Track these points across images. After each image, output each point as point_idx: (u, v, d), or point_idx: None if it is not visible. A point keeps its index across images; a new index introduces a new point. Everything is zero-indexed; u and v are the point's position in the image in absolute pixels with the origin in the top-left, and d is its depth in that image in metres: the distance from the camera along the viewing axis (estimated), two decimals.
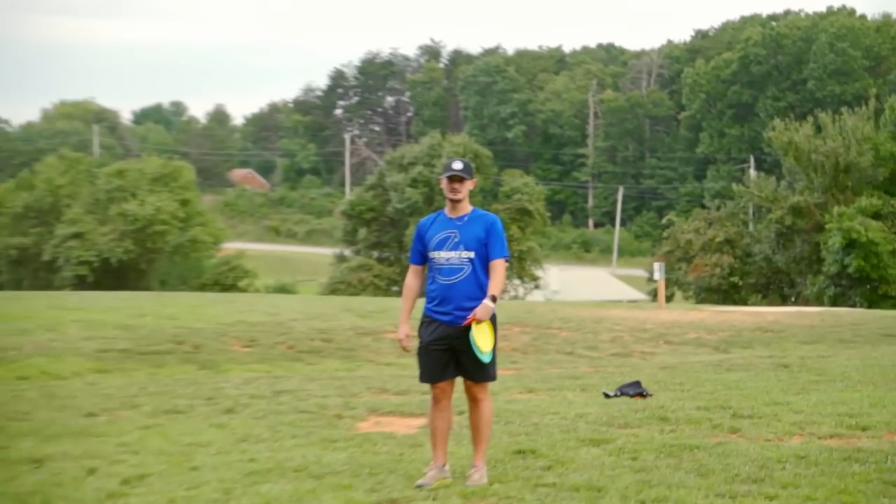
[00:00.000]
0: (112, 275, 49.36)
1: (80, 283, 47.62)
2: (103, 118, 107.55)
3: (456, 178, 7.90)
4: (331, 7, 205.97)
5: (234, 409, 11.56)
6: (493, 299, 7.71)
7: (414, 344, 7.96)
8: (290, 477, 8.08)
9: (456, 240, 7.87)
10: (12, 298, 28.75)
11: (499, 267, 7.84)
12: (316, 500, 7.36)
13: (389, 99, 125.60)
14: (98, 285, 46.52)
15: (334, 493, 7.53)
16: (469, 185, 7.98)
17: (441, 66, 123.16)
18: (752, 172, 68.80)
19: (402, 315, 8.07)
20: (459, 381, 7.91)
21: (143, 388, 13.43)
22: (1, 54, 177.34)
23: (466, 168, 7.96)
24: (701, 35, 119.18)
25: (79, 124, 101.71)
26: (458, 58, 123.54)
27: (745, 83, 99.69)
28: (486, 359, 7.67)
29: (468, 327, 7.66)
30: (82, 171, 55.54)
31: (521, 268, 52.72)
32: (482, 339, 7.67)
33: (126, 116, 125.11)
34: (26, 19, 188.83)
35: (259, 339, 19.97)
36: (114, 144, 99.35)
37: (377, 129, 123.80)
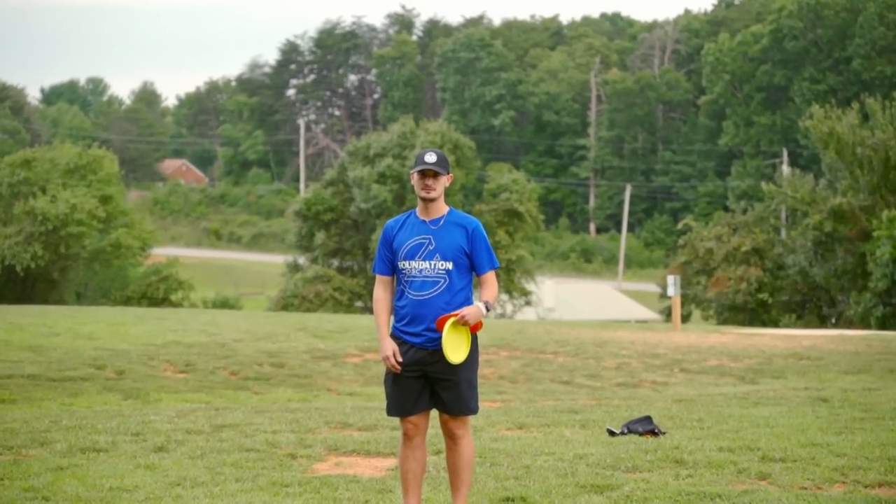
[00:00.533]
0: (17, 285, 49.24)
1: None
2: (5, 96, 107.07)
3: (429, 174, 7.91)
4: None
5: (165, 446, 11.52)
6: (487, 307, 7.77)
7: (382, 369, 7.95)
8: None
9: (430, 248, 7.88)
10: None
11: (491, 279, 7.90)
12: None
13: (352, 77, 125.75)
14: (1, 298, 46.38)
15: None
16: (445, 182, 7.97)
17: (414, 38, 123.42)
18: (786, 169, 69.16)
19: (379, 330, 8.05)
20: (435, 414, 7.93)
21: (56, 422, 13.37)
22: None
23: (441, 161, 7.94)
24: (725, 4, 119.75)
25: None
26: (435, 29, 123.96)
27: (778, 62, 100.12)
28: (456, 360, 7.70)
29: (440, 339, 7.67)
30: None
31: (509, 280, 52.90)
32: (453, 348, 7.67)
33: (34, 95, 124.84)
34: None
35: (196, 363, 19.96)
36: (18, 128, 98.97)
37: (337, 113, 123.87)
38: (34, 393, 17.20)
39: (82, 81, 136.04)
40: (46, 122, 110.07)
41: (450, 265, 7.80)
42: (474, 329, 7.67)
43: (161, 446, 11.55)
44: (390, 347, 7.81)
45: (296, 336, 24.08)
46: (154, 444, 11.66)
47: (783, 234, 55.01)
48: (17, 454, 11.31)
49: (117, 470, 10.40)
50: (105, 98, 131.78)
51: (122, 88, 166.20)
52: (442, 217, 7.92)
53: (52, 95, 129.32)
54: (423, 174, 7.85)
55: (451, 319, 7.56)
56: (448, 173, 7.92)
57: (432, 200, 7.87)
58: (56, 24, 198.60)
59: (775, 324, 47.67)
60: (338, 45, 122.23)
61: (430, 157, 7.87)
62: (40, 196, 50.43)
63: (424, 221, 7.93)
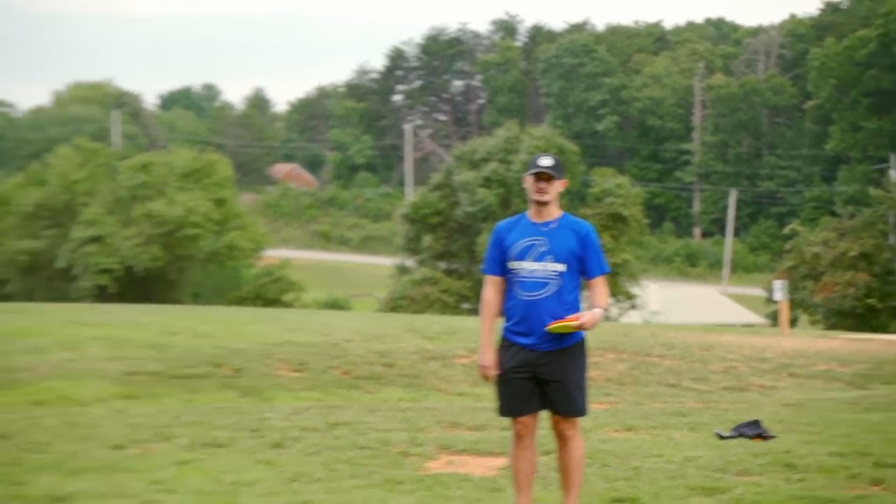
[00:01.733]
0: (137, 285, 49.86)
1: (101, 295, 48.16)
2: (124, 103, 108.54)
3: (543, 177, 7.92)
4: None
5: (282, 443, 11.65)
6: (601, 311, 7.83)
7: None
8: None
9: (543, 249, 7.87)
10: (24, 311, 29.10)
11: (602, 284, 7.92)
12: None
13: (457, 83, 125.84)
14: (121, 297, 46.94)
15: None
16: (559, 186, 7.97)
17: (518, 44, 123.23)
18: (893, 174, 68.13)
19: (482, 336, 8.07)
20: (545, 415, 7.95)
21: (178, 417, 13.57)
22: (3, 27, 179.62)
23: (556, 165, 7.95)
24: (831, 8, 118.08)
25: (96, 109, 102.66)
26: (539, 35, 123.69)
27: (886, 66, 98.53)
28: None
29: (554, 339, 7.77)
30: (101, 165, 55.97)
31: (614, 284, 52.58)
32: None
33: (150, 101, 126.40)
34: None
35: (309, 362, 20.08)
36: (137, 133, 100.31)
37: (443, 118, 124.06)
38: (156, 389, 17.43)
39: (196, 88, 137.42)
40: (163, 126, 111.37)
41: (562, 267, 7.80)
42: (580, 328, 7.69)
43: (278, 443, 11.67)
44: (489, 358, 7.93)
45: (405, 337, 24.12)
46: (271, 441, 11.78)
47: (892, 239, 54.20)
48: (143, 448, 11.50)
49: (237, 465, 10.54)
50: (218, 104, 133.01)
51: (235, 94, 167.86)
52: (555, 220, 7.91)
53: (168, 101, 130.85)
54: (538, 177, 7.87)
55: (571, 324, 7.60)
56: (562, 178, 7.92)
57: (545, 204, 7.88)
58: (172, 32, 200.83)
59: (884, 329, 46.98)
60: (443, 51, 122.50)
61: (545, 161, 7.89)
62: (158, 199, 51.03)
63: (536, 224, 7.93)
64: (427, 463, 10.67)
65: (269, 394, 17.57)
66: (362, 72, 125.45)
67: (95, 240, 49.90)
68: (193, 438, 11.93)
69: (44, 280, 51.31)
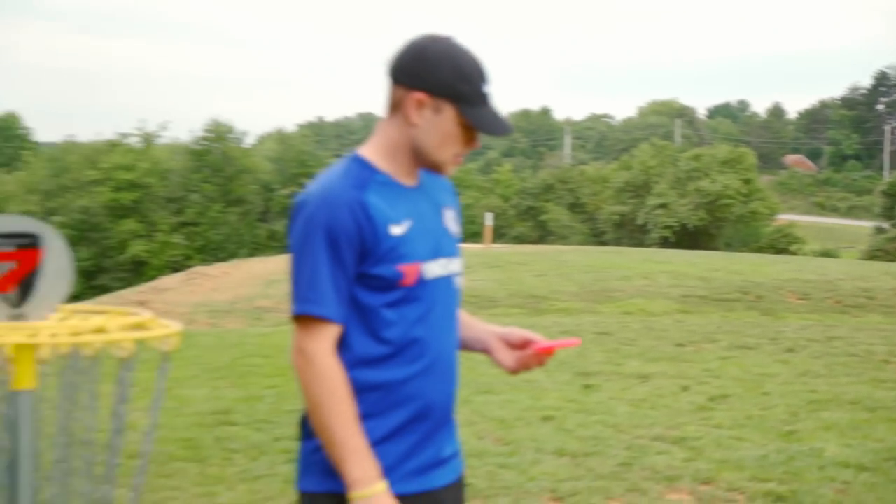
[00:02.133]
0: (688, 237, 49.62)
1: (664, 243, 48.35)
2: (684, 114, 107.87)
3: None
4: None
5: (793, 348, 11.21)
6: None
7: None
8: (846, 408, 7.75)
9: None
10: (616, 253, 29.74)
11: None
12: (871, 429, 6.99)
13: None
14: (678, 245, 47.01)
15: (887, 424, 7.11)
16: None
17: None
18: None
19: None
20: None
21: (719, 328, 13.40)
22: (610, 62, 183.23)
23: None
24: None
25: (665, 119, 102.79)
26: None
27: None
28: None
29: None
30: (667, 156, 56.04)
31: None
32: None
33: (701, 112, 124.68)
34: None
35: (810, 293, 19.19)
36: (691, 135, 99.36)
37: None
38: (703, 308, 17.16)
39: (734, 102, 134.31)
40: (709, 130, 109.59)
41: None
42: None
43: (790, 348, 11.24)
44: None
45: (883, 278, 22.38)
46: (785, 347, 11.34)
47: None
48: (696, 346, 11.35)
49: (761, 362, 10.24)
50: (748, 113, 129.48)
51: (760, 107, 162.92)
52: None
53: (714, 112, 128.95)
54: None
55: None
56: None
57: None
58: (646, 65, 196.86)
59: None
60: None
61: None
62: (704, 178, 50.64)
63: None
64: None
65: (782, 315, 16.97)
66: (854, 88, 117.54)
67: (662, 206, 50.12)
68: (730, 342, 11.74)
69: (628, 232, 52.04)
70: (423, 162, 2.40)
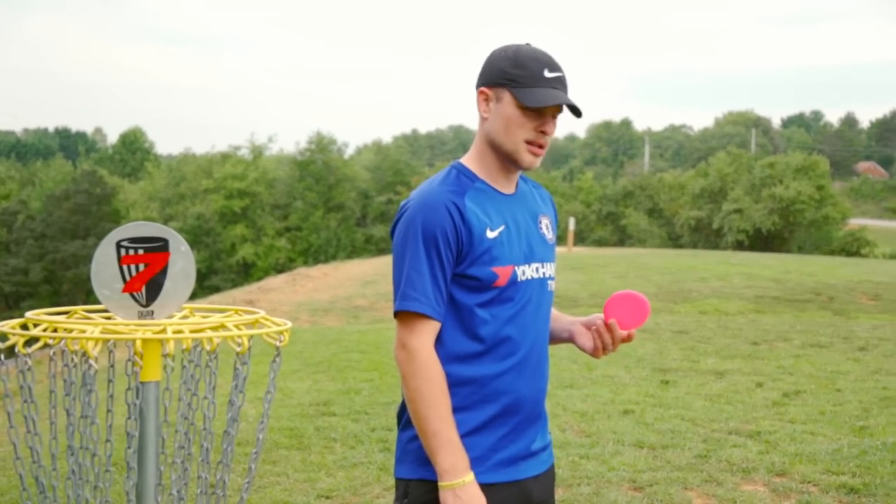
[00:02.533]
0: (762, 241, 48.61)
1: (739, 246, 47.46)
2: (759, 124, 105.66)
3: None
4: None
5: (865, 347, 10.90)
6: None
7: None
8: None
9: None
10: (692, 255, 29.31)
11: None
12: None
13: None
14: (752, 248, 46.15)
15: None
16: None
17: None
18: None
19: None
20: None
21: (792, 327, 13.10)
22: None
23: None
24: None
25: (741, 129, 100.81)
26: None
27: None
28: None
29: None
30: (743, 164, 54.96)
31: None
32: None
33: (776, 122, 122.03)
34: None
35: (882, 294, 18.60)
36: (766, 144, 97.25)
37: None
38: (776, 308, 16.80)
39: (807, 112, 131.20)
40: (783, 139, 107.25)
41: None
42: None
43: (862, 347, 10.92)
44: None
45: None
46: (857, 346, 11.03)
47: None
48: (770, 345, 11.12)
49: (834, 360, 9.95)
50: (821, 123, 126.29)
51: (834, 116, 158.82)
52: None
53: (788, 122, 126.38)
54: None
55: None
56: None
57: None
58: (804, 80, 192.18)
59: None
60: None
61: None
62: (779, 185, 49.66)
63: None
64: None
65: (854, 315, 16.48)
66: None
67: (737, 211, 49.17)
68: (804, 341, 11.47)
69: (704, 236, 51.10)
70: (501, 156, 2.40)
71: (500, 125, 2.35)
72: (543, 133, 2.36)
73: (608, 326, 2.47)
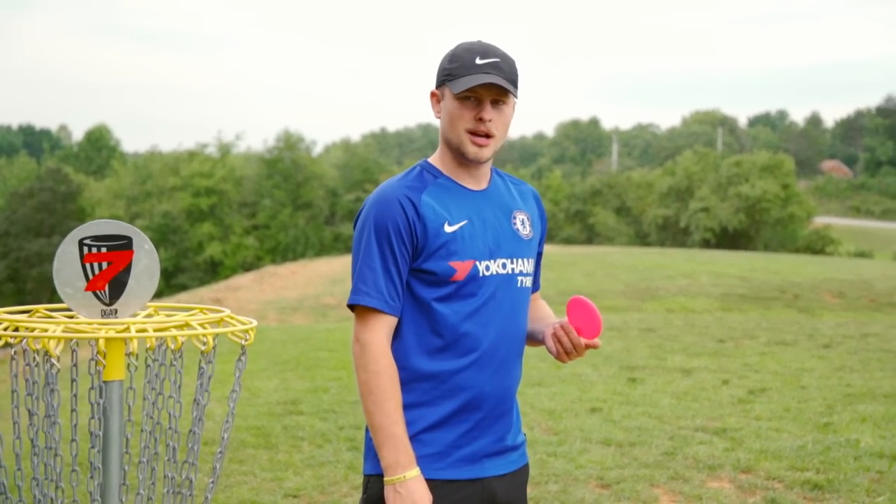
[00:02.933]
0: (729, 239, 49.04)
1: (706, 244, 47.84)
2: (725, 123, 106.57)
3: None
4: None
5: (830, 344, 11.03)
6: None
7: None
8: (880, 401, 7.60)
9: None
10: (660, 254, 29.53)
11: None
12: None
13: None
14: (719, 246, 46.55)
15: None
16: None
17: None
18: None
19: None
20: None
21: (758, 325, 13.23)
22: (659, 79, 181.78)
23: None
24: None
25: (707, 128, 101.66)
26: None
27: None
28: None
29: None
30: (709, 162, 55.38)
31: None
32: None
33: (742, 121, 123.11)
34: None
35: (846, 292, 18.86)
36: (732, 142, 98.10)
37: None
38: (742, 305, 16.92)
39: (773, 112, 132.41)
40: (749, 138, 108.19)
41: None
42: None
43: (826, 344, 11.05)
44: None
45: None
46: (821, 343, 11.16)
47: None
48: (736, 342, 11.22)
49: (799, 357, 10.05)
50: (787, 122, 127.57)
51: (799, 116, 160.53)
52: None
53: (754, 121, 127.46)
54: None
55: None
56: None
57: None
58: (769, 77, 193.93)
59: None
60: None
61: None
62: (745, 184, 50.11)
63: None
64: None
65: (818, 312, 16.70)
66: (889, 99, 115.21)
67: (704, 209, 49.54)
68: (769, 338, 11.59)
69: (671, 234, 51.50)
70: (455, 150, 2.41)
71: (445, 121, 2.38)
72: (482, 120, 2.34)
73: (564, 329, 2.41)
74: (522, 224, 2.50)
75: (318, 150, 58.66)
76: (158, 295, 38.59)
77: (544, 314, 2.60)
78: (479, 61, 2.33)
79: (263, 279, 22.92)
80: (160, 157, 51.25)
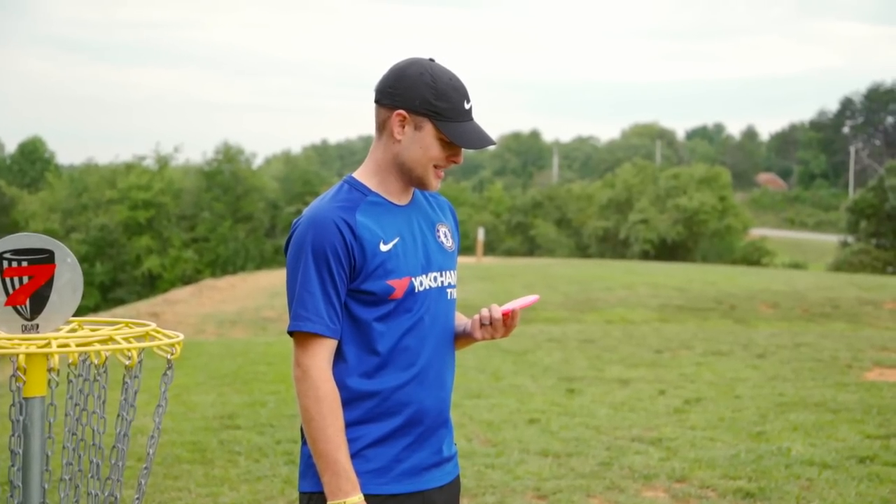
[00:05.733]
0: (667, 251, 49.69)
1: (645, 256, 48.41)
2: (663, 136, 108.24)
3: None
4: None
5: (763, 354, 11.22)
6: None
7: None
8: (812, 410, 7.76)
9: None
10: (599, 265, 29.81)
11: None
12: (834, 429, 7.01)
13: (890, 119, 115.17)
14: (657, 258, 47.10)
15: (849, 425, 7.13)
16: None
17: None
18: None
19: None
20: None
21: (695, 335, 13.40)
22: (588, 89, 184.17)
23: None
24: None
25: (646, 140, 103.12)
26: None
27: None
28: None
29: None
30: (648, 175, 56.11)
31: None
32: None
33: (680, 134, 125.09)
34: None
35: (780, 303, 19.21)
36: (671, 155, 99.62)
37: (878, 143, 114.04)
38: (679, 316, 17.21)
39: (710, 125, 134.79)
40: (687, 151, 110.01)
41: None
42: None
43: (761, 354, 11.23)
44: None
45: (847, 288, 22.47)
46: (756, 353, 11.34)
47: None
48: (673, 353, 11.37)
49: (734, 367, 10.22)
50: (724, 135, 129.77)
51: (735, 129, 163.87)
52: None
53: (692, 134, 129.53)
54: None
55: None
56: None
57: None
58: (696, 91, 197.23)
59: None
60: (881, 98, 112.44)
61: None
62: (682, 196, 50.87)
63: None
64: (865, 373, 9.88)
65: (753, 323, 16.98)
66: (821, 113, 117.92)
67: (643, 221, 50.19)
68: (705, 349, 11.75)
69: (611, 246, 52.06)
70: (408, 177, 2.42)
71: (416, 153, 2.37)
72: (455, 162, 2.40)
73: (490, 309, 2.45)
74: (445, 236, 2.52)
75: (258, 162, 58.24)
76: (95, 309, 37.94)
77: (458, 316, 2.60)
78: (465, 106, 2.38)
79: (202, 292, 22.64)
80: (96, 169, 50.43)
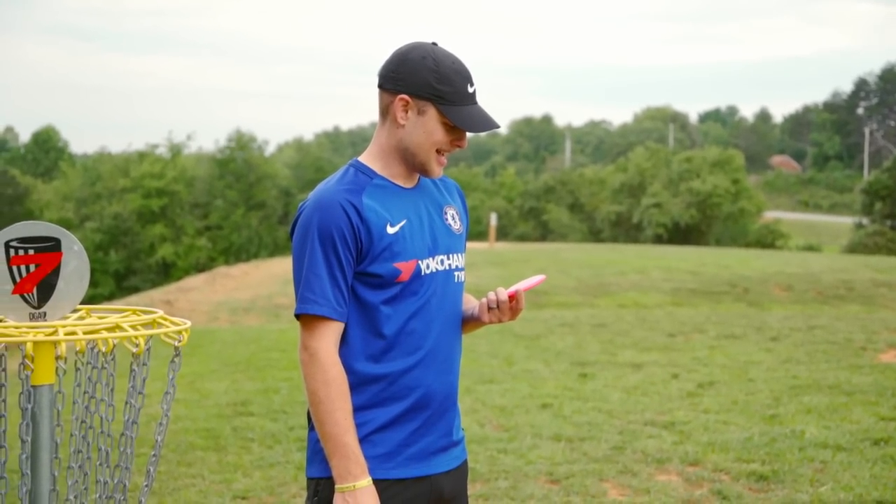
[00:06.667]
0: (680, 234, 49.53)
1: (658, 240, 48.27)
2: (676, 119, 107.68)
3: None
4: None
5: (777, 337, 11.19)
6: None
7: None
8: (825, 392, 7.73)
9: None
10: (612, 250, 29.74)
11: None
12: (848, 412, 6.98)
13: None
14: (671, 241, 46.99)
15: (863, 407, 7.09)
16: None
17: None
18: None
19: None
20: None
21: (708, 319, 13.38)
22: (599, 74, 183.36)
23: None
24: None
25: (659, 124, 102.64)
26: None
27: None
28: None
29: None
30: (661, 159, 55.93)
31: None
32: None
33: (693, 117, 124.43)
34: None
35: (794, 285, 19.12)
36: (684, 138, 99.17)
37: (893, 124, 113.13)
38: (693, 300, 17.13)
39: (723, 108, 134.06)
40: (700, 134, 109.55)
41: None
42: None
43: (774, 337, 11.21)
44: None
45: (862, 270, 22.37)
46: (769, 336, 11.32)
47: None
48: (686, 337, 11.34)
49: (747, 350, 10.19)
50: (737, 118, 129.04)
51: (748, 111, 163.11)
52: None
53: (705, 117, 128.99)
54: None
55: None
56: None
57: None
58: (717, 74, 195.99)
59: None
60: (895, 79, 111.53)
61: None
62: (696, 179, 50.72)
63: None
64: (879, 355, 9.84)
65: (767, 306, 16.92)
66: (836, 94, 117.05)
67: (656, 205, 50.02)
68: (718, 332, 11.71)
69: (624, 230, 51.91)
70: (411, 163, 2.41)
71: (420, 137, 2.35)
72: (459, 147, 2.38)
73: (496, 293, 2.44)
74: (453, 219, 2.50)
75: (270, 149, 58.30)
76: (110, 297, 38.11)
77: (468, 299, 2.58)
78: (469, 90, 2.35)
79: (216, 280, 22.70)
80: (109, 158, 50.56)
